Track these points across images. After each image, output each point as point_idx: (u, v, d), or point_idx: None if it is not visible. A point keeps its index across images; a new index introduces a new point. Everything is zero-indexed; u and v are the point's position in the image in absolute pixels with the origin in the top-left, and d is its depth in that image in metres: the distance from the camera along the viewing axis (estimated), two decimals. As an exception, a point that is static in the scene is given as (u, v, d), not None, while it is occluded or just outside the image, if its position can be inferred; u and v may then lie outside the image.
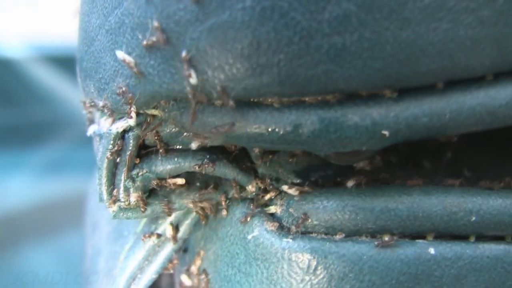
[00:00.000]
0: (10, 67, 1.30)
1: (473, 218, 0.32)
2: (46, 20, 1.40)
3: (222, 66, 0.27)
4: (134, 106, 0.31)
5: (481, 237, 0.32)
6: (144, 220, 0.38)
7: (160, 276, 0.37)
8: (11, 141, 1.28)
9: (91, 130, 0.35)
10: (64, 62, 1.31)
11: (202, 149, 0.33)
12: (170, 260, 0.36)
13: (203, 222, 0.36)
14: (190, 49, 0.27)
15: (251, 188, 0.34)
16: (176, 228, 0.36)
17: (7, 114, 1.29)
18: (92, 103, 0.34)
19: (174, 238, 0.36)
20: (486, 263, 0.31)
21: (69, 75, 1.32)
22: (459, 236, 0.32)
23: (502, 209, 0.32)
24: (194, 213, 0.36)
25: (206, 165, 0.33)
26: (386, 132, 0.28)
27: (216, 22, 0.27)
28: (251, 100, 0.29)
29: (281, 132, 0.28)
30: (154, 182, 0.33)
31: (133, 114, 0.31)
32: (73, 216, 1.19)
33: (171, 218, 0.36)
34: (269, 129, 0.29)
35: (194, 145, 0.32)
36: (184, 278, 0.37)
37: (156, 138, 0.32)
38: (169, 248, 0.36)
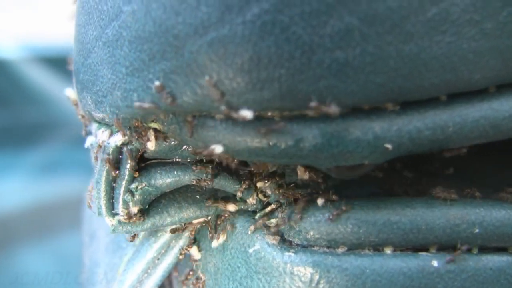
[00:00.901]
0: (5, 68, 1.29)
1: (476, 230, 0.31)
2: (41, 21, 1.39)
3: (222, 80, 0.27)
4: (133, 120, 0.30)
5: (484, 249, 0.32)
6: (143, 232, 0.37)
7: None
8: (6, 142, 1.27)
9: (88, 141, 0.35)
10: (59, 63, 1.30)
11: (202, 162, 0.33)
12: (169, 273, 0.36)
13: (210, 235, 0.36)
14: (189, 62, 0.27)
15: (251, 200, 0.34)
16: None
17: (1, 115, 1.28)
18: (89, 116, 0.34)
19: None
20: (489, 275, 0.31)
21: (64, 76, 1.31)
22: (462, 249, 0.32)
23: (506, 221, 0.32)
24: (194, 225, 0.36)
25: (206, 179, 0.32)
26: (389, 146, 0.28)
27: (216, 36, 0.26)
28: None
29: (283, 146, 0.28)
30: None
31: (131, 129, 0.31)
32: (69, 217, 1.18)
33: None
34: (270, 143, 0.28)
35: (192, 159, 0.32)
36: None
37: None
38: (168, 260, 0.36)
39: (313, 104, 0.27)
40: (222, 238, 0.34)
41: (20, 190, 1.23)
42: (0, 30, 1.33)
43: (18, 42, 1.33)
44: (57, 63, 1.30)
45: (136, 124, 0.30)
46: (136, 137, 0.31)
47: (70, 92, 0.39)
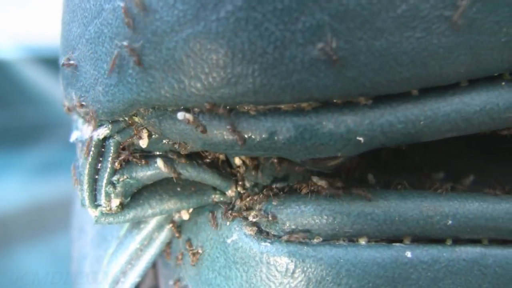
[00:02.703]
0: (3, 68, 1.30)
1: (450, 222, 0.32)
2: (39, 21, 1.40)
3: (198, 75, 0.28)
4: (114, 114, 0.31)
5: (458, 241, 0.33)
6: (127, 225, 0.38)
7: (143, 279, 0.38)
8: (3, 143, 1.28)
9: (74, 136, 0.36)
10: (56, 64, 1.30)
11: (182, 155, 0.34)
12: (153, 264, 0.37)
13: (177, 235, 0.37)
14: (167, 58, 0.28)
15: (230, 193, 0.35)
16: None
17: (-1, 116, 1.29)
18: (74, 110, 0.35)
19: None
20: (462, 266, 0.32)
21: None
22: (435, 240, 0.32)
23: (479, 213, 0.32)
24: (175, 218, 0.36)
25: (186, 172, 0.33)
26: (361, 139, 0.29)
27: (192, 33, 0.27)
28: (228, 108, 0.29)
29: (257, 139, 0.29)
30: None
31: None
32: (64, 217, 1.19)
33: (154, 222, 0.36)
34: (246, 136, 0.29)
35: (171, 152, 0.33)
36: None
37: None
38: (151, 252, 0.37)
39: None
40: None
41: (17, 190, 1.24)
42: (-3, 30, 1.34)
43: (17, 43, 1.33)
44: (55, 63, 1.30)
45: (117, 118, 0.31)
46: (128, 134, 0.32)
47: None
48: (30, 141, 1.29)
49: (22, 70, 1.29)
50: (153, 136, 0.32)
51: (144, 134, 0.32)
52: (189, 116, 0.29)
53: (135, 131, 0.32)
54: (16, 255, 1.12)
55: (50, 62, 1.29)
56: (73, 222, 0.53)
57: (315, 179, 0.34)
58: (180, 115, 0.29)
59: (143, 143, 0.32)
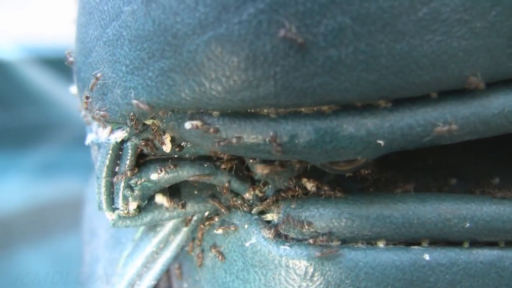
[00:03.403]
0: (4, 69, 1.29)
1: (467, 225, 0.32)
2: (40, 22, 1.40)
3: (219, 78, 0.28)
4: (133, 117, 0.31)
5: (475, 243, 0.33)
6: (142, 228, 0.38)
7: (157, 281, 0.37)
8: (5, 143, 1.27)
9: (89, 139, 0.36)
10: (58, 64, 1.30)
11: (199, 158, 0.34)
12: (168, 267, 0.37)
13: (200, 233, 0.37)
14: (187, 61, 0.28)
15: (248, 196, 0.35)
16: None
17: (0, 116, 1.28)
18: (91, 113, 0.35)
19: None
20: (480, 269, 0.32)
21: (62, 77, 1.32)
22: (453, 242, 0.33)
23: (496, 216, 0.32)
24: (192, 221, 0.36)
25: (204, 175, 0.33)
26: (381, 142, 0.29)
27: (214, 35, 0.27)
28: (248, 111, 0.29)
29: (278, 142, 0.29)
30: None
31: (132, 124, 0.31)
32: (66, 218, 1.19)
33: (170, 225, 0.36)
34: (266, 139, 0.29)
35: (189, 154, 0.33)
36: None
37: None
38: (167, 255, 0.37)
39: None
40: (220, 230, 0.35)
41: (19, 191, 1.23)
42: (-1, 31, 1.34)
43: (17, 43, 1.33)
44: (56, 64, 1.30)
45: (133, 119, 0.31)
46: (152, 140, 0.32)
47: (74, 89, 0.40)
48: (31, 142, 1.29)
49: (22, 70, 1.29)
50: (183, 144, 0.32)
51: (167, 139, 0.32)
52: (196, 122, 0.29)
53: (157, 137, 0.32)
54: (17, 256, 1.12)
55: (51, 63, 1.29)
56: (84, 225, 0.53)
57: (303, 181, 0.34)
58: (187, 125, 0.29)
59: (166, 148, 0.32)
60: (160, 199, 0.33)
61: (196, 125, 0.29)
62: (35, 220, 1.19)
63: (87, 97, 0.34)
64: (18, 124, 1.32)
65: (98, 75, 0.32)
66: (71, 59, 0.38)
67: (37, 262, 1.12)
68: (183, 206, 0.34)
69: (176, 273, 0.39)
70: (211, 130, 0.29)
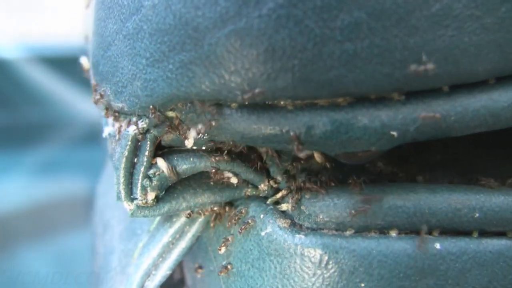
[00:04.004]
0: (4, 68, 1.30)
1: (477, 215, 0.33)
2: (40, 20, 1.40)
3: (239, 70, 0.28)
4: (152, 108, 0.32)
5: (484, 233, 0.34)
6: (158, 218, 0.39)
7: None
8: (5, 143, 1.28)
9: (106, 131, 0.36)
10: (58, 63, 1.31)
11: (216, 149, 0.34)
12: (183, 257, 0.38)
13: (212, 224, 0.37)
14: (208, 54, 0.29)
15: (263, 187, 0.36)
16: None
17: (0, 115, 1.29)
18: (108, 106, 0.36)
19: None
20: (489, 258, 0.33)
21: (64, 76, 1.32)
22: (463, 232, 0.33)
23: (505, 206, 0.33)
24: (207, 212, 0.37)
25: (221, 166, 0.34)
26: (394, 133, 0.30)
27: (234, 29, 0.28)
28: (266, 102, 0.30)
29: (295, 133, 0.30)
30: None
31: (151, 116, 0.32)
32: (67, 217, 1.19)
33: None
34: (283, 130, 0.30)
35: (205, 145, 0.34)
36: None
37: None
38: (183, 245, 0.37)
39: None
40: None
41: (19, 190, 1.23)
42: (-1, 29, 1.34)
43: (18, 42, 1.33)
44: (57, 63, 1.30)
45: (153, 113, 0.32)
46: (176, 134, 0.33)
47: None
48: (32, 141, 1.29)
49: (23, 69, 1.29)
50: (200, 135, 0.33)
51: (191, 134, 0.33)
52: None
53: (180, 132, 0.33)
54: (17, 255, 1.12)
55: (52, 62, 1.29)
56: (96, 218, 0.53)
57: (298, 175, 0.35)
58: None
59: (189, 143, 0.33)
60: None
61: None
62: (36, 220, 1.19)
63: (105, 90, 0.35)
64: (19, 123, 1.32)
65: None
66: (86, 65, 0.39)
67: (37, 261, 1.12)
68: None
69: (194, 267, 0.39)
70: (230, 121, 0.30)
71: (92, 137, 1.22)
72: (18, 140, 1.32)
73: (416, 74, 0.29)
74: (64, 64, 1.32)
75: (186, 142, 0.33)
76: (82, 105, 1.31)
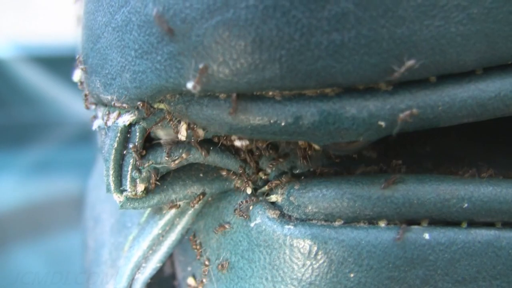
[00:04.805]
0: (-2, 67, 1.29)
1: (465, 205, 0.33)
2: (34, 20, 1.40)
3: (227, 61, 0.29)
4: (141, 100, 0.32)
5: (473, 223, 0.34)
6: (148, 211, 0.39)
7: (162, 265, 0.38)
8: (-1, 142, 1.27)
9: (96, 124, 0.36)
10: (52, 63, 1.30)
11: (205, 141, 0.34)
12: (173, 250, 0.38)
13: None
14: (196, 45, 0.29)
15: (253, 178, 0.36)
16: None
17: (-6, 115, 1.28)
18: (97, 99, 0.36)
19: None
20: (478, 248, 0.33)
21: (57, 76, 1.32)
22: (451, 223, 0.34)
23: (493, 196, 0.34)
24: (196, 204, 0.37)
25: (211, 156, 0.34)
26: (382, 123, 0.30)
27: (221, 20, 0.28)
28: (254, 93, 0.30)
29: (283, 124, 0.30)
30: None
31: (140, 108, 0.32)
32: (61, 216, 1.19)
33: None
34: (271, 121, 0.30)
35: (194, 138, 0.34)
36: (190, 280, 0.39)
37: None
38: (173, 237, 0.37)
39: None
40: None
41: (13, 190, 1.23)
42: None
43: (11, 42, 1.33)
44: (50, 62, 1.30)
45: (142, 104, 0.32)
46: (154, 120, 0.33)
47: (77, 76, 0.41)
48: (26, 140, 1.29)
49: (17, 69, 1.29)
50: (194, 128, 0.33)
51: (183, 128, 0.33)
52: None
53: (172, 126, 0.33)
54: (12, 254, 1.12)
55: (45, 61, 1.29)
56: (87, 213, 0.53)
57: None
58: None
59: (182, 136, 0.33)
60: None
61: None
62: (30, 219, 1.19)
63: (95, 82, 0.35)
64: (11, 123, 1.32)
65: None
66: (81, 66, 0.39)
67: (30, 260, 1.12)
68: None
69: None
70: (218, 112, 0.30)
71: (85, 136, 1.22)
72: (11, 139, 1.32)
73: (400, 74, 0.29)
74: (57, 64, 1.31)
75: (179, 135, 0.33)
76: (75, 105, 1.31)
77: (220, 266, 0.36)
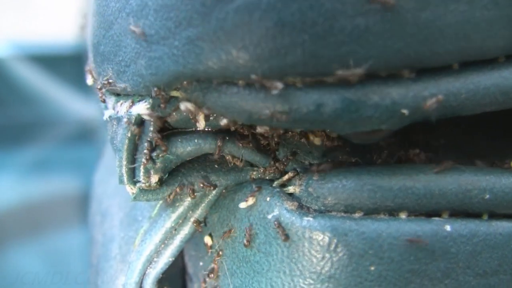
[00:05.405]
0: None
1: (487, 196, 0.33)
2: (32, 19, 1.39)
3: (247, 46, 0.28)
4: (157, 88, 0.31)
5: (493, 215, 0.33)
6: (159, 204, 0.38)
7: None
8: (-4, 141, 1.26)
9: (106, 115, 0.35)
10: (49, 62, 1.30)
11: (220, 131, 0.34)
12: (185, 244, 0.37)
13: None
14: (216, 29, 0.28)
15: (269, 169, 0.35)
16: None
17: (-9, 115, 1.28)
18: (108, 88, 0.35)
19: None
20: (499, 240, 0.32)
21: (55, 75, 1.31)
22: (473, 214, 0.33)
23: None
24: (210, 196, 0.36)
25: (227, 146, 0.33)
26: (405, 111, 0.29)
27: (243, 3, 0.27)
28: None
29: (304, 111, 0.29)
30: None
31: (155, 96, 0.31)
32: (59, 216, 1.18)
33: (189, 200, 0.36)
34: (292, 109, 0.29)
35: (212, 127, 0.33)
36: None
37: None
38: (186, 231, 0.36)
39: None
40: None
41: (11, 189, 1.22)
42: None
43: (9, 41, 1.32)
44: (48, 61, 1.30)
45: (157, 92, 0.31)
46: (170, 109, 0.32)
47: (89, 78, 0.40)
48: (23, 139, 1.28)
49: (14, 68, 1.28)
50: (211, 118, 0.32)
51: (201, 117, 0.32)
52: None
53: (190, 115, 0.32)
54: (8, 253, 1.11)
55: (43, 60, 1.28)
56: (93, 208, 0.52)
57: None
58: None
59: (200, 125, 0.32)
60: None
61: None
62: (28, 218, 1.18)
63: (107, 70, 0.34)
64: (10, 122, 1.31)
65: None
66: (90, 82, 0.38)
67: (28, 259, 1.12)
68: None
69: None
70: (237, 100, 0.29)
71: (83, 136, 1.21)
72: (9, 138, 1.31)
73: None
74: (56, 63, 1.31)
75: (198, 124, 0.32)
76: (73, 104, 1.31)
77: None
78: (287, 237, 0.32)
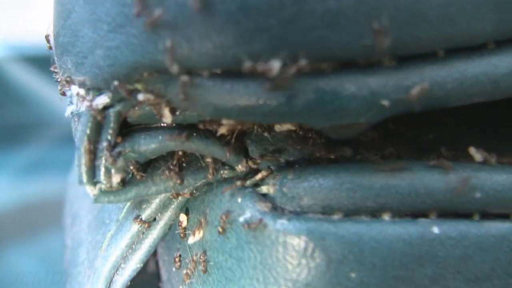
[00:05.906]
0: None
1: (478, 195, 0.30)
2: (25, 20, 1.38)
3: (209, 33, 0.25)
4: (116, 80, 0.28)
5: (485, 215, 0.31)
6: (127, 206, 0.35)
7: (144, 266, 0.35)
8: (-10, 142, 1.26)
9: (68, 110, 0.33)
10: (43, 63, 1.28)
11: (188, 127, 0.31)
12: (155, 248, 0.34)
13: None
14: (175, 15, 0.25)
15: (241, 168, 0.32)
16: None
17: (-15, 116, 1.27)
18: (70, 81, 0.32)
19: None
20: (492, 242, 0.30)
21: (48, 75, 1.30)
22: (462, 214, 0.30)
23: (508, 185, 0.30)
24: (179, 197, 0.34)
25: (194, 143, 0.30)
26: (385, 102, 0.27)
27: None
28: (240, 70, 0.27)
29: (274, 104, 0.26)
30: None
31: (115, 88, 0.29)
32: (53, 217, 1.17)
33: (157, 202, 0.33)
34: (260, 101, 0.26)
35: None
36: None
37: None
38: (154, 234, 0.34)
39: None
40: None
41: (6, 190, 1.22)
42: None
43: (3, 41, 1.32)
44: (41, 62, 1.29)
45: (120, 86, 0.29)
46: (131, 103, 0.30)
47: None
48: (17, 141, 1.28)
49: (8, 69, 1.28)
50: (177, 112, 0.30)
51: (165, 110, 0.29)
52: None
53: (155, 109, 0.29)
54: (2, 255, 1.11)
55: (36, 61, 1.27)
56: (66, 210, 0.50)
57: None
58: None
59: (167, 119, 0.29)
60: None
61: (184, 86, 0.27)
62: (21, 219, 1.18)
63: (66, 63, 0.31)
64: (3, 123, 1.31)
65: None
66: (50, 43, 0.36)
67: (22, 260, 1.11)
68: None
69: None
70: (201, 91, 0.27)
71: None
72: (5, 139, 1.31)
73: None
74: (49, 64, 1.30)
75: (164, 119, 0.30)
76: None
77: (203, 267, 0.32)
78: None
